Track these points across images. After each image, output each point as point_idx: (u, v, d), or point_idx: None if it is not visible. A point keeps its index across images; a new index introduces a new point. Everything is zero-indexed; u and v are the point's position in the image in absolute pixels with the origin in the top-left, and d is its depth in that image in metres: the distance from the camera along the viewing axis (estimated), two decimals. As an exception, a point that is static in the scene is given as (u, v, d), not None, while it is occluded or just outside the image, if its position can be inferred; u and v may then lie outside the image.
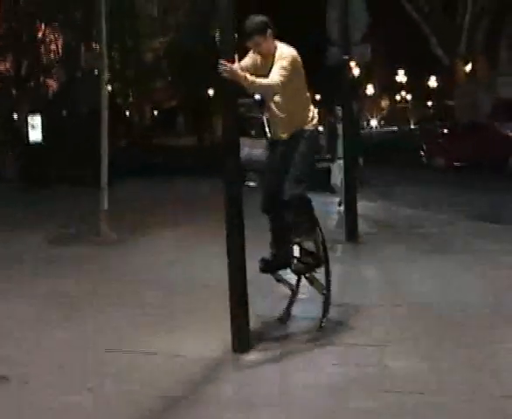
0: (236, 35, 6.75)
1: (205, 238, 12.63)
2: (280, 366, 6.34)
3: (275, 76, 6.73)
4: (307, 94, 7.35)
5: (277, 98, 7.08)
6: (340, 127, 14.51)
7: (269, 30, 6.94)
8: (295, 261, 7.28)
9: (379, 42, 34.52)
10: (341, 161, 13.78)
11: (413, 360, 6.34)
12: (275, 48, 6.95)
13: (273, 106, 7.19)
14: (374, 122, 73.49)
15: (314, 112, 7.29)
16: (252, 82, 6.64)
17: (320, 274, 7.34)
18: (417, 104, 77.91)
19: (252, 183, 14.71)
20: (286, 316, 7.49)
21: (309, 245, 7.15)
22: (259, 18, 6.99)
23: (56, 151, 23.95)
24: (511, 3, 37.48)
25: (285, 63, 6.79)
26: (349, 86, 13.02)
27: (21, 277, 10.26)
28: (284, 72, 6.73)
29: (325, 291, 7.27)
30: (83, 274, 10.43)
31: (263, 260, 7.32)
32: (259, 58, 7.07)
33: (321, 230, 7.34)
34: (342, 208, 13.89)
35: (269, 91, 6.96)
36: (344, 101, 12.96)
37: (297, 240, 7.20)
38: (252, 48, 7.04)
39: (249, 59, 7.10)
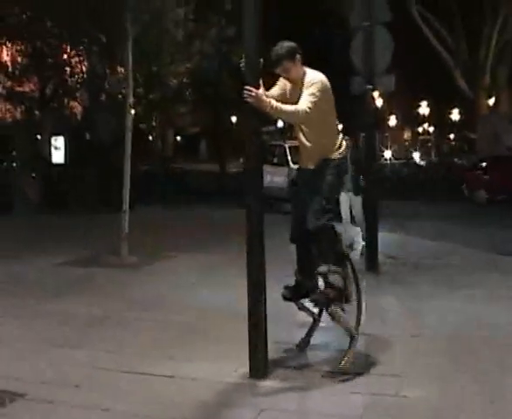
0: (261, 60, 6.74)
1: (225, 264, 12.65)
2: (296, 393, 6.32)
3: (303, 103, 6.68)
4: (336, 121, 7.23)
5: (304, 126, 7.01)
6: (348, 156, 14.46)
7: (298, 56, 6.91)
8: (317, 291, 7.13)
9: (403, 73, 34.55)
10: (349, 193, 13.69)
11: (431, 390, 6.31)
12: (304, 74, 6.91)
13: (300, 134, 7.10)
14: (388, 154, 72.96)
15: (341, 139, 7.16)
16: (277, 108, 6.63)
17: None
18: (439, 136, 77.89)
19: None
20: (304, 344, 7.42)
21: (334, 278, 6.92)
22: (287, 44, 6.96)
23: (78, 173, 24.05)
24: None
25: (314, 89, 6.74)
26: (372, 116, 13.01)
27: (39, 297, 10.34)
28: (312, 99, 6.68)
29: (351, 330, 7.02)
30: (101, 296, 10.49)
31: (286, 288, 7.25)
32: (288, 85, 7.04)
33: (353, 265, 7.18)
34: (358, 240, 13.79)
35: (295, 118, 6.89)
36: (366, 131, 12.95)
37: (321, 271, 6.99)
38: (281, 74, 7.02)
39: (277, 88, 7.09)
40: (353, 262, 7.15)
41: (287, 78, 7.01)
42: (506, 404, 5.99)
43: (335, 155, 7.01)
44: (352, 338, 6.93)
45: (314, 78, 6.85)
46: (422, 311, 9.43)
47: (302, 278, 7.22)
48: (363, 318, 7.10)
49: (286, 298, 7.25)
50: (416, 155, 71.02)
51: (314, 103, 6.68)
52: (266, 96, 6.68)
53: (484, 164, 29.13)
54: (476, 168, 29.42)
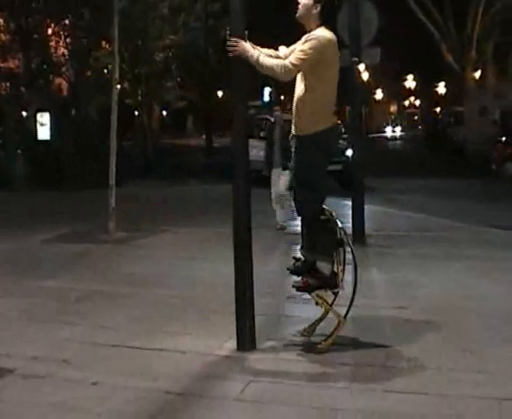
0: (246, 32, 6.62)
1: (212, 238, 12.69)
2: (284, 364, 6.34)
3: (289, 59, 6.47)
4: (334, 90, 6.75)
5: (299, 85, 6.69)
6: (277, 131, 14.50)
7: (319, 5, 6.61)
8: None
9: (389, 47, 34.52)
10: (281, 170, 13.54)
11: (418, 361, 6.35)
12: (315, 26, 6.60)
13: (296, 93, 6.76)
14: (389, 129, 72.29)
15: (330, 110, 6.78)
16: (260, 61, 6.45)
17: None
18: (425, 109, 77.97)
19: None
20: (310, 331, 7.11)
21: (323, 266, 6.72)
22: None
23: (64, 150, 23.96)
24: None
25: (307, 46, 6.48)
26: (357, 89, 13.00)
27: (27, 273, 10.33)
28: (301, 56, 6.43)
29: (337, 315, 6.83)
30: (90, 271, 10.50)
31: (295, 259, 7.06)
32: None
33: (352, 251, 6.91)
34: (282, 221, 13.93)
35: (275, 74, 6.51)
36: (352, 104, 12.95)
37: (308, 256, 6.87)
38: (296, 10, 6.70)
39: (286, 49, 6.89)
40: (351, 248, 6.94)
41: (296, 14, 6.71)
42: (490, 374, 6.05)
43: (316, 129, 6.62)
44: (338, 322, 6.81)
45: (314, 33, 6.55)
46: (409, 283, 9.47)
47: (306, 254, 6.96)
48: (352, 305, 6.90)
49: (292, 273, 7.00)
50: (388, 129, 70.75)
51: (302, 60, 6.43)
52: (253, 48, 6.56)
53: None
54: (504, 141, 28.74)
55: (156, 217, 15.85)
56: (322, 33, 6.57)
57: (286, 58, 6.67)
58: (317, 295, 6.84)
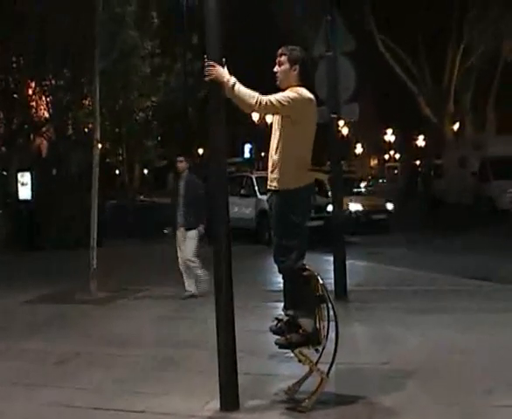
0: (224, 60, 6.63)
1: (195, 299, 12.64)
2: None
3: (267, 97, 6.49)
4: (309, 147, 6.77)
5: (281, 143, 6.67)
6: (181, 185, 13.23)
7: (297, 66, 6.69)
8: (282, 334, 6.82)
9: (368, 102, 34.80)
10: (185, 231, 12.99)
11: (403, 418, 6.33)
12: (293, 87, 6.66)
13: (271, 149, 6.78)
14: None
15: (308, 168, 6.77)
16: (234, 87, 6.46)
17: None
18: (405, 163, 78.31)
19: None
20: (294, 390, 7.00)
21: (305, 322, 6.65)
22: (296, 49, 6.79)
23: (45, 210, 23.90)
24: (497, 62, 37.94)
25: (288, 94, 6.54)
26: (337, 144, 13.08)
27: (7, 337, 10.23)
28: (280, 100, 6.48)
29: (320, 372, 6.76)
30: (71, 333, 10.43)
31: (277, 320, 6.93)
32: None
33: (333, 306, 6.82)
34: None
35: (248, 104, 6.53)
36: (332, 159, 13.01)
37: (289, 313, 6.79)
38: (276, 69, 6.78)
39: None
40: (332, 304, 6.85)
41: (277, 78, 6.78)
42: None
43: (298, 184, 6.65)
44: (321, 380, 6.75)
45: (299, 89, 6.63)
46: (392, 337, 9.45)
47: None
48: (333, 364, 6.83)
49: (274, 333, 6.88)
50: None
51: (279, 103, 6.47)
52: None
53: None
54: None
55: (137, 277, 15.79)
56: (305, 91, 6.65)
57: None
58: (300, 352, 6.79)
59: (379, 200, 29.83)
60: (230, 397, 6.64)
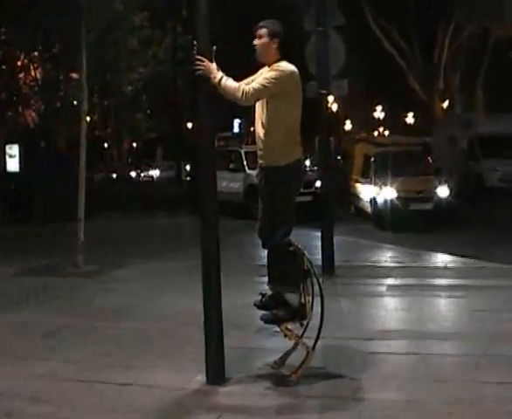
0: (214, 48, 6.65)
1: (181, 271, 12.66)
2: (254, 398, 6.34)
3: (251, 85, 6.55)
4: (297, 122, 6.80)
5: (262, 116, 6.72)
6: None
7: (276, 40, 6.72)
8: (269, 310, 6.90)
9: (357, 78, 34.72)
10: None
11: (386, 392, 6.37)
12: (276, 61, 6.68)
13: (258, 125, 6.80)
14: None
15: (297, 143, 6.83)
16: (222, 84, 6.51)
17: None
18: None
19: None
20: (280, 363, 7.07)
21: (291, 297, 6.71)
22: (274, 23, 6.80)
23: (33, 182, 23.82)
24: (487, 43, 37.91)
25: (270, 74, 6.57)
26: (326, 120, 13.07)
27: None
28: (265, 83, 6.52)
29: (305, 346, 6.82)
30: (58, 306, 10.43)
31: (261, 295, 7.01)
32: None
33: (318, 282, 6.88)
34: None
35: (236, 97, 6.57)
36: (321, 135, 13.01)
37: (275, 288, 6.84)
38: (255, 44, 6.78)
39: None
40: (318, 279, 6.90)
41: (256, 51, 6.79)
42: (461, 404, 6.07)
43: (287, 160, 6.67)
44: (307, 354, 6.80)
45: (279, 65, 6.64)
46: (377, 314, 9.51)
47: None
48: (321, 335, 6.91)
49: (258, 307, 6.98)
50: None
51: (265, 87, 6.51)
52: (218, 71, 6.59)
53: None
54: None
55: (125, 250, 15.80)
56: (286, 65, 6.66)
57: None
58: (286, 328, 6.83)
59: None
60: (216, 371, 6.68)
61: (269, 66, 6.71)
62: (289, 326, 6.84)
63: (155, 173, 64.45)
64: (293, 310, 6.75)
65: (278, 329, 6.98)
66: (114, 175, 42.39)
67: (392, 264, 13.67)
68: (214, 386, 6.58)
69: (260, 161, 6.88)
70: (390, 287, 11.28)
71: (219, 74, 6.57)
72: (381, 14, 36.44)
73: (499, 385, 6.43)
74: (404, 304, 10.12)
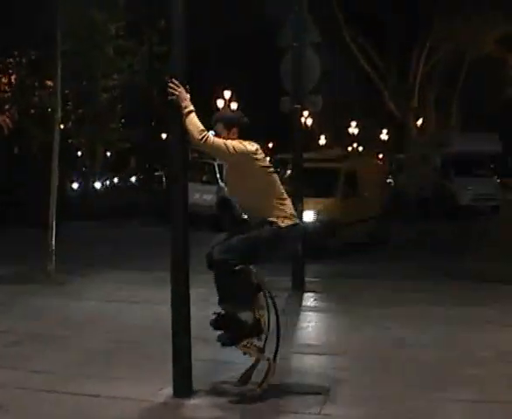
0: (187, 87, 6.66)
1: (149, 282, 12.63)
2: (221, 412, 6.33)
3: (209, 137, 6.55)
4: (275, 189, 6.80)
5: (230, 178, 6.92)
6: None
7: (235, 129, 6.76)
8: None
9: (332, 93, 34.88)
10: None
11: (353, 408, 6.38)
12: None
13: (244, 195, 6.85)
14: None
15: (289, 209, 6.82)
16: (188, 115, 6.53)
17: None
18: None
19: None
20: (246, 378, 7.02)
21: (244, 315, 6.75)
22: (229, 114, 7.02)
23: (5, 188, 23.69)
24: (462, 62, 38.24)
25: (234, 143, 6.61)
26: (299, 135, 13.09)
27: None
28: (226, 143, 6.55)
29: (267, 361, 6.81)
30: (27, 314, 10.35)
31: (216, 314, 6.94)
32: None
33: (271, 295, 6.86)
34: None
35: (191, 137, 6.57)
36: (295, 149, 13.02)
37: (225, 308, 6.79)
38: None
39: None
40: (270, 292, 6.89)
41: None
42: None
43: (279, 222, 6.66)
44: (269, 366, 6.78)
45: (243, 143, 6.68)
46: (348, 329, 9.54)
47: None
48: (280, 347, 6.91)
49: (215, 328, 6.90)
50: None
51: (226, 147, 6.52)
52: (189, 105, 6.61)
53: None
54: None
55: (95, 259, 15.74)
56: (248, 144, 6.71)
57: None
58: (244, 346, 6.78)
59: None
60: (183, 384, 6.66)
61: None
62: (247, 343, 6.76)
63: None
64: (247, 327, 6.74)
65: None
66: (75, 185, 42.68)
67: (359, 280, 13.70)
68: (181, 399, 6.56)
69: (245, 215, 6.94)
70: (357, 303, 11.30)
71: (190, 107, 6.58)
72: (358, 32, 36.65)
73: None
74: (374, 320, 10.14)
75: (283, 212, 6.72)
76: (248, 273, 6.79)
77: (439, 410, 6.40)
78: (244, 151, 6.62)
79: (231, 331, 6.75)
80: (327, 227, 17.29)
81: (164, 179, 41.44)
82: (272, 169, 6.89)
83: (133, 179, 64.45)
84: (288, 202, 6.88)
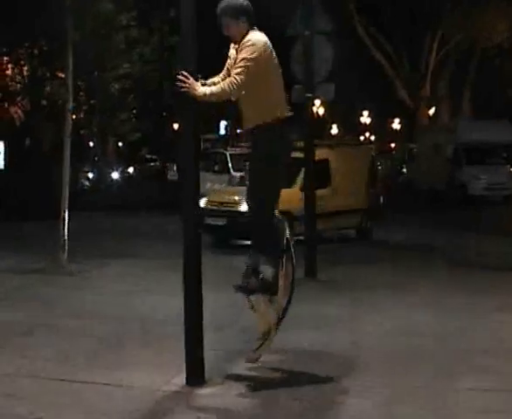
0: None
1: (162, 272, 12.64)
2: (233, 400, 6.31)
3: (233, 73, 6.45)
4: (279, 84, 6.78)
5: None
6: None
7: (243, 17, 6.63)
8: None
9: (344, 82, 34.83)
10: None
11: (367, 398, 6.37)
12: (245, 35, 6.60)
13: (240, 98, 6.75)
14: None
15: (280, 103, 6.75)
16: (208, 94, 6.48)
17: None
18: (380, 145, 78.69)
19: None
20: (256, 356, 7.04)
21: (264, 268, 6.67)
22: (233, 2, 6.67)
23: (18, 179, 23.73)
24: (474, 51, 38.10)
25: (244, 53, 6.46)
26: (311, 123, 13.06)
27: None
28: (242, 64, 6.41)
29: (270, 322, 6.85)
30: (39, 304, 10.34)
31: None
32: (234, 53, 6.75)
33: (293, 264, 6.90)
34: None
35: (227, 96, 6.54)
36: (306, 138, 12.99)
37: (253, 257, 6.79)
38: (223, 31, 6.72)
39: (223, 72, 6.84)
40: (293, 255, 6.91)
41: (229, 36, 6.74)
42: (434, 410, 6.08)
43: (272, 116, 6.62)
44: (269, 331, 6.83)
45: (249, 39, 6.54)
46: (361, 318, 9.53)
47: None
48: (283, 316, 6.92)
49: (238, 290, 6.84)
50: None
51: (246, 68, 6.41)
52: (203, 85, 6.57)
53: None
54: None
55: (107, 249, 15.76)
56: (256, 37, 6.62)
57: (225, 77, 6.70)
58: (255, 299, 6.80)
59: None
60: (195, 373, 6.63)
61: (238, 43, 6.66)
62: (259, 298, 6.79)
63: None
64: (265, 283, 6.69)
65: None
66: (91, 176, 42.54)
67: (374, 265, 13.69)
68: (193, 387, 6.53)
69: (248, 126, 6.84)
70: (371, 289, 11.29)
71: (203, 89, 6.52)
72: (370, 21, 36.57)
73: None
74: (389, 309, 10.12)
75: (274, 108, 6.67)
76: (283, 230, 6.82)
77: (453, 399, 6.38)
78: (255, 51, 6.48)
79: (249, 280, 6.72)
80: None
81: (175, 168, 41.45)
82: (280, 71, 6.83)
83: (130, 170, 63.44)
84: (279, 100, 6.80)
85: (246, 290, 6.79)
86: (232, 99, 6.69)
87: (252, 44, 6.50)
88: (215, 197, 17.71)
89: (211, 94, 6.51)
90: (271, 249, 6.72)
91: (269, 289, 6.73)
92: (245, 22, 6.64)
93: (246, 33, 6.61)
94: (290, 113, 6.81)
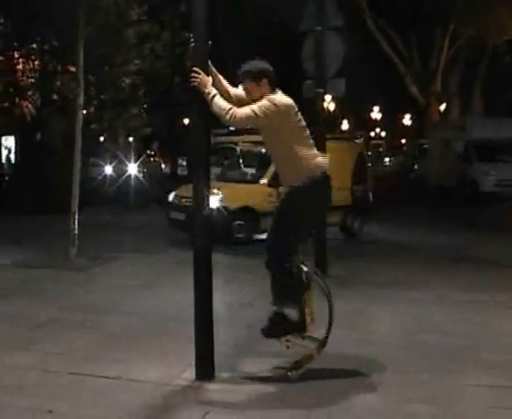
0: (209, 43, 6.71)
1: (172, 267, 12.65)
2: (242, 396, 6.31)
3: (241, 110, 6.47)
4: (307, 144, 6.70)
5: (269, 149, 6.92)
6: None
7: (265, 80, 6.66)
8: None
9: (355, 78, 34.78)
10: None
11: (382, 394, 6.37)
12: (269, 94, 6.63)
13: (273, 153, 6.87)
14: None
15: (312, 159, 6.68)
16: (213, 100, 6.49)
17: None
18: (391, 141, 78.61)
19: None
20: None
21: (290, 312, 6.79)
22: (256, 64, 6.76)
23: (28, 174, 23.76)
24: (485, 48, 38.00)
25: (261, 103, 6.47)
26: (321, 119, 13.02)
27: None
28: (254, 109, 6.43)
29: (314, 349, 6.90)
30: (48, 298, 10.37)
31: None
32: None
33: (327, 292, 6.99)
34: None
35: (222, 118, 6.52)
36: (317, 134, 12.95)
37: (275, 302, 6.80)
38: (246, 94, 6.78)
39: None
40: (322, 285, 7.00)
41: (251, 98, 6.71)
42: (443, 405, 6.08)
43: (298, 181, 6.60)
44: (311, 356, 6.85)
45: (272, 97, 6.55)
46: (373, 314, 9.52)
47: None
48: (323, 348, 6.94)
49: (268, 336, 6.94)
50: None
51: (255, 114, 6.42)
52: (215, 86, 6.61)
53: None
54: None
55: (116, 244, 15.77)
56: (279, 98, 6.60)
57: (238, 99, 6.77)
58: (287, 340, 6.84)
59: None
60: (205, 367, 6.65)
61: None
62: (290, 339, 6.84)
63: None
64: (291, 323, 6.80)
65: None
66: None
67: (386, 260, 13.68)
68: (203, 382, 6.55)
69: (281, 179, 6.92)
70: (381, 286, 11.28)
71: (213, 91, 6.54)
72: (381, 17, 36.50)
73: None
74: (399, 306, 10.11)
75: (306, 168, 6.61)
76: (300, 272, 6.81)
77: (463, 395, 6.37)
78: (274, 111, 6.49)
79: (275, 325, 6.80)
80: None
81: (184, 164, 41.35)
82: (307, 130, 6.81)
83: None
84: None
85: (274, 334, 6.87)
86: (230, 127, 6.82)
87: (272, 101, 6.50)
88: (180, 192, 17.38)
89: (214, 102, 6.52)
90: (291, 292, 6.76)
91: (295, 329, 6.83)
92: (266, 83, 6.67)
93: (269, 93, 6.61)
94: (327, 167, 6.77)
